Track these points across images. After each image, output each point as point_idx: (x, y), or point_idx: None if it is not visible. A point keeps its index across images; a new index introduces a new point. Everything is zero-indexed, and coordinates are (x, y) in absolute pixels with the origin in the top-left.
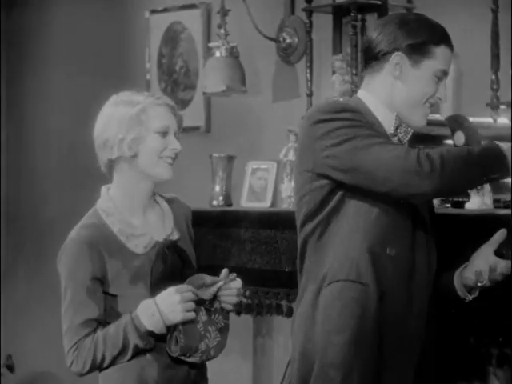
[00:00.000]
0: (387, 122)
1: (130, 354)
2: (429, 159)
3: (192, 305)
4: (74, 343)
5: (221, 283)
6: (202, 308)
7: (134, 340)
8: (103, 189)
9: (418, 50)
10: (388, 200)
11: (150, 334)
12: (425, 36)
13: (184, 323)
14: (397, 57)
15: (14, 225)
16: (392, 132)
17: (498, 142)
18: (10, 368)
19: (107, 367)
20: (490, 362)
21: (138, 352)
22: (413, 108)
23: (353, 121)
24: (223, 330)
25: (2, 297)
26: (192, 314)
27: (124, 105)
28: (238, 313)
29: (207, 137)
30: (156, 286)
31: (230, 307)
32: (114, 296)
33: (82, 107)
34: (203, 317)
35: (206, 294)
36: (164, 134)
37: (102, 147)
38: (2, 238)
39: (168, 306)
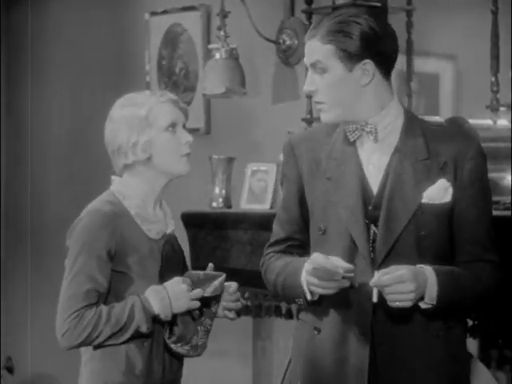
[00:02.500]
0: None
1: (127, 335)
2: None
3: (198, 293)
4: (75, 310)
5: (219, 280)
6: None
7: (138, 320)
8: (115, 177)
9: None
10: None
11: (154, 319)
12: None
13: (182, 314)
14: None
15: (14, 226)
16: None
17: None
18: (10, 370)
19: (96, 346)
20: (489, 364)
21: (133, 337)
22: None
23: (283, 172)
24: (207, 333)
25: (2, 298)
26: (197, 303)
27: (130, 108)
28: (238, 315)
29: (207, 138)
30: (164, 272)
31: (231, 315)
32: (122, 273)
33: (82, 108)
34: (195, 316)
35: (207, 291)
36: (173, 129)
37: (116, 153)
38: (1, 240)
39: (176, 293)
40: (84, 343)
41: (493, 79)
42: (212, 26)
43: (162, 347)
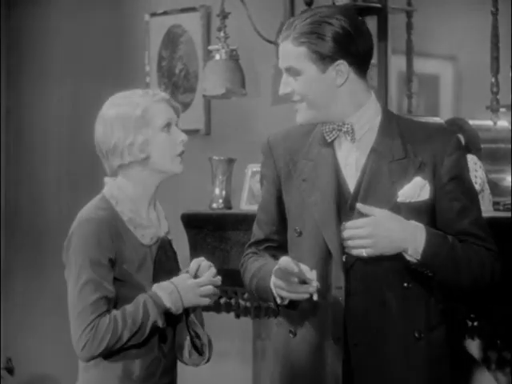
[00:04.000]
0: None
1: (146, 333)
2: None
3: (210, 289)
4: (90, 321)
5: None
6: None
7: (154, 316)
8: (108, 179)
9: None
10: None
11: (166, 313)
12: None
13: (195, 330)
14: None
15: (14, 227)
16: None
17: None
18: (10, 371)
19: (117, 351)
20: (489, 366)
21: (152, 332)
22: None
23: (261, 173)
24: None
25: (2, 299)
26: (207, 300)
27: (124, 107)
28: (238, 316)
29: (207, 139)
30: (157, 278)
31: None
32: (120, 281)
33: (81, 110)
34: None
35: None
36: (168, 128)
37: (111, 153)
38: (1, 241)
39: (184, 287)
40: (106, 350)
41: (493, 80)
42: (212, 27)
43: (157, 350)
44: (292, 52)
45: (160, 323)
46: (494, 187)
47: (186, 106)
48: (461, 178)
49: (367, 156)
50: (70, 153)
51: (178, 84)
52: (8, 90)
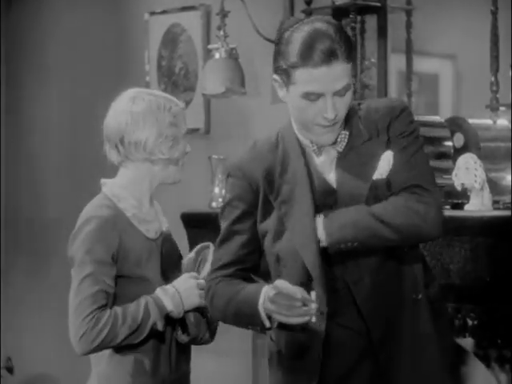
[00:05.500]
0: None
1: (144, 334)
2: None
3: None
4: (90, 312)
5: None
6: None
7: (154, 317)
8: (106, 180)
9: (282, 75)
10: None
11: (166, 316)
12: (284, 60)
13: (193, 312)
14: (274, 79)
15: (14, 227)
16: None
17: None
18: (10, 370)
19: (113, 346)
20: (489, 364)
21: (143, 340)
22: (306, 130)
23: (234, 194)
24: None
25: (2, 299)
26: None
27: (158, 106)
28: None
29: (206, 138)
30: (166, 271)
31: None
32: (125, 278)
33: (81, 108)
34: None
35: (203, 275)
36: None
37: (134, 146)
38: (1, 241)
39: (186, 290)
40: (102, 345)
41: (492, 79)
42: (212, 25)
43: (169, 348)
44: (345, 70)
45: (159, 326)
46: (494, 186)
47: (185, 104)
48: (409, 133)
49: (338, 155)
50: (70, 152)
51: (177, 83)
52: (8, 90)
